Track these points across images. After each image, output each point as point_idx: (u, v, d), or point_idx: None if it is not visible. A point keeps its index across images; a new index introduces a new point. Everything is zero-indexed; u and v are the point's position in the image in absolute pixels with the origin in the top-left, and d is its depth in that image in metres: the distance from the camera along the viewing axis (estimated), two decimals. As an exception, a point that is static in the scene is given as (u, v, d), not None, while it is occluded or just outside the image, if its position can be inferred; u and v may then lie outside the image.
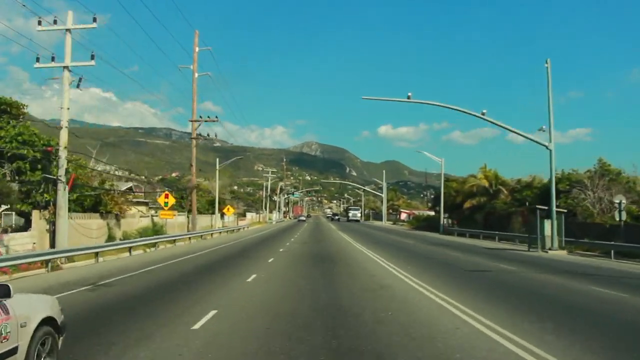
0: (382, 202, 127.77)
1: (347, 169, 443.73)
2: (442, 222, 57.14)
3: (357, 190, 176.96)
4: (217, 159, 57.83)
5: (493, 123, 28.84)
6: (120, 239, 30.31)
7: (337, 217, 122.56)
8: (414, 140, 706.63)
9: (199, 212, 56.41)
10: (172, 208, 57.53)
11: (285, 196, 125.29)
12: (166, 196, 36.37)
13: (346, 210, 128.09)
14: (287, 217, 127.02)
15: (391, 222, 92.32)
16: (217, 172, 55.71)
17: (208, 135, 47.00)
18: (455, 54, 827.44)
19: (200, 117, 46.38)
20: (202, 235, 40.86)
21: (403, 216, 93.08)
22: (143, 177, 76.55)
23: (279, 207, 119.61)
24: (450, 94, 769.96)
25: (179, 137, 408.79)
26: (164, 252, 27.29)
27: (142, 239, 27.32)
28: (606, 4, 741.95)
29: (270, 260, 21.85)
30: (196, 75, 45.77)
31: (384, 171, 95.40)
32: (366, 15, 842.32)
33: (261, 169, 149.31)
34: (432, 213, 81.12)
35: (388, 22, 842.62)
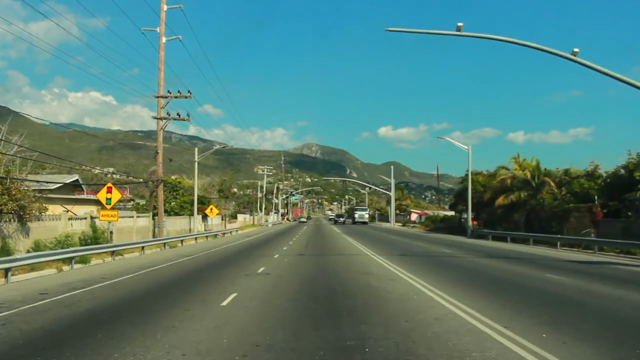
0: (387, 201, 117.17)
1: (348, 171, 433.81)
2: (469, 224, 46.41)
3: (359, 190, 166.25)
4: (197, 149, 47.31)
5: (589, 67, 18.59)
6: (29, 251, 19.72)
7: (342, 220, 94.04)
8: (414, 141, 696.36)
9: (176, 214, 45.82)
10: (143, 210, 47.14)
11: (284, 197, 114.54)
12: (108, 190, 25.74)
13: (351, 211, 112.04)
14: (286, 220, 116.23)
15: (400, 224, 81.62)
16: (196, 164, 45.11)
17: (179, 115, 36.42)
18: (454, 50, 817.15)
19: (169, 92, 36.04)
20: (165, 244, 30.18)
21: (413, 217, 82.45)
22: (141, 179, 67.94)
23: (277, 209, 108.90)
24: (451, 92, 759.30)
25: (179, 139, 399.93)
26: (77, 273, 16.73)
27: (24, 256, 16.58)
28: (606, 1, 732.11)
29: (227, 301, 11.26)
30: (164, 40, 35.73)
31: (391, 167, 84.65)
32: (366, 16, 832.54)
33: (261, 171, 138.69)
34: (450, 213, 70.49)
35: (388, 22, 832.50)
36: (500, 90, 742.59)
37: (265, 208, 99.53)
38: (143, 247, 26.22)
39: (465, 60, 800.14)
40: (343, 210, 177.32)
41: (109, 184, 26.32)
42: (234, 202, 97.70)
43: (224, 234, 48.61)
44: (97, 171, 74.43)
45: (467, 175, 55.64)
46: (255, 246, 31.96)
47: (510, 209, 43.16)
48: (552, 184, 40.14)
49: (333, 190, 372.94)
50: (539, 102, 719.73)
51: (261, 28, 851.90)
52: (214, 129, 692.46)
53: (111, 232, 29.33)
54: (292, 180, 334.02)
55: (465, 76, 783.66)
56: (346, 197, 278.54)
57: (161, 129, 35.67)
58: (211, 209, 48.54)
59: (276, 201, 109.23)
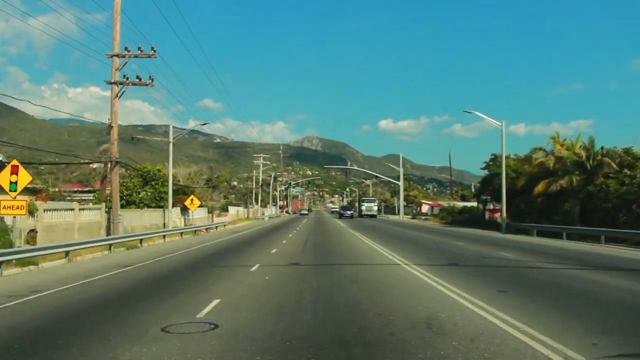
0: (392, 193, 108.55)
1: (349, 163, 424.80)
2: (504, 215, 37.78)
3: (364, 180, 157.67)
4: (171, 126, 38.73)
5: None
6: None
7: (349, 213, 73.66)
8: (414, 134, 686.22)
9: (147, 206, 37.34)
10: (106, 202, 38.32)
11: (282, 188, 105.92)
12: (13, 170, 17.29)
13: (357, 202, 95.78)
14: (284, 212, 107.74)
15: (409, 216, 73.05)
16: (170, 145, 36.48)
17: (139, 79, 27.94)
18: (458, 45, 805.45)
19: (127, 49, 27.69)
20: (111, 245, 21.59)
21: (424, 209, 73.85)
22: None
23: (275, 201, 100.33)
24: (452, 84, 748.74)
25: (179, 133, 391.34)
26: None
27: None
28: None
29: None
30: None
31: (400, 154, 75.88)
32: (367, 8, 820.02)
33: (262, 164, 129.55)
34: (464, 203, 61.89)
35: (390, 14, 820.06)
36: (501, 83, 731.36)
37: (262, 200, 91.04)
38: (67, 253, 17.71)
39: (466, 52, 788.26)
40: (345, 203, 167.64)
41: (14, 162, 17.73)
42: (226, 194, 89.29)
43: (207, 229, 40.12)
44: (95, 165, 65.78)
45: (493, 158, 47.19)
46: (236, 247, 23.49)
47: (555, 198, 34.55)
48: (614, 165, 31.50)
49: (334, 183, 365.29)
50: (540, 95, 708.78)
51: (260, 20, 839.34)
52: (214, 123, 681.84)
53: (33, 231, 20.88)
54: (292, 173, 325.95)
55: (466, 69, 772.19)
56: (347, 189, 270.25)
57: (117, 96, 27.15)
58: (192, 200, 39.97)
59: (275, 193, 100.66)
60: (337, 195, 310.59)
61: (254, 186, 79.55)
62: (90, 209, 26.87)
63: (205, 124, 37.63)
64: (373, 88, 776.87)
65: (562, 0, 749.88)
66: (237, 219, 63.12)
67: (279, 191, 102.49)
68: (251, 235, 33.29)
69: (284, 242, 26.18)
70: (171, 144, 36.46)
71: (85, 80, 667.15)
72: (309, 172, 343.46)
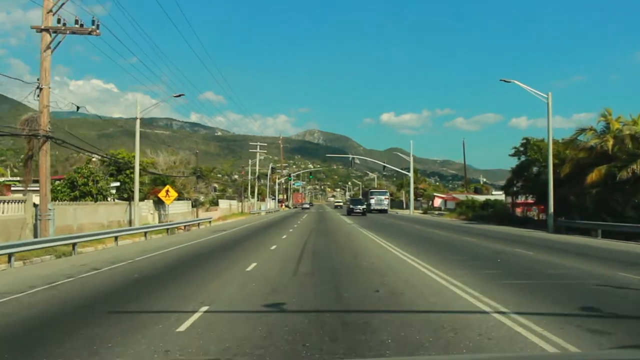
0: (398, 187, 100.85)
1: (351, 157, 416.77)
2: (550, 211, 30.07)
3: (367, 173, 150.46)
4: (138, 101, 30.89)
5: None
6: None
7: (361, 209, 55.79)
8: (416, 127, 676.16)
9: (104, 198, 29.84)
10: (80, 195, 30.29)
11: (282, 180, 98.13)
12: None
13: (364, 195, 76.22)
14: (284, 207, 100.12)
15: (420, 211, 65.43)
16: (137, 121, 28.68)
17: (80, 24, 20.43)
18: (459, 38, 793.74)
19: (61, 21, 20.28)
20: (11, 255, 13.99)
21: (437, 202, 66.11)
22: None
23: (275, 194, 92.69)
24: (454, 77, 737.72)
25: (180, 127, 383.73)
26: None
27: None
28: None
29: None
30: None
31: (411, 141, 67.50)
32: (369, 3, 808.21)
33: (259, 154, 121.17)
34: (487, 197, 54.26)
35: (391, 9, 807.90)
36: (502, 76, 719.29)
37: (260, 194, 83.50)
38: None
39: (468, 46, 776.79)
40: (349, 197, 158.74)
41: None
42: (223, 186, 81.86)
43: (186, 226, 32.61)
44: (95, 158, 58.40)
45: (525, 143, 39.48)
46: (198, 259, 15.90)
47: (619, 188, 26.90)
48: None
49: (336, 176, 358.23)
50: (542, 88, 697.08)
51: (261, 14, 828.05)
52: (216, 116, 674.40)
53: None
54: (294, 167, 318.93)
55: (468, 62, 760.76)
56: (349, 183, 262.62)
57: (48, 47, 19.73)
58: (167, 191, 32.45)
59: (273, 186, 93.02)
60: (339, 189, 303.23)
61: (249, 178, 71.93)
62: (9, 201, 19.28)
63: (180, 95, 29.71)
64: (375, 81, 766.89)
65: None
66: (229, 214, 55.60)
67: (278, 184, 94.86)
68: (234, 236, 25.75)
69: (273, 247, 18.61)
70: (138, 120, 28.75)
71: (87, 73, 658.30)
72: (311, 166, 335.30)
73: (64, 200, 26.30)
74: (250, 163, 71.53)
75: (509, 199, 42.26)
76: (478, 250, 17.64)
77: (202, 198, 53.23)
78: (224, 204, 55.21)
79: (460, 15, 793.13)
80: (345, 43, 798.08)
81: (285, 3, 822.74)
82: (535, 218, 39.62)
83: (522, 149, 40.34)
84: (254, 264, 13.28)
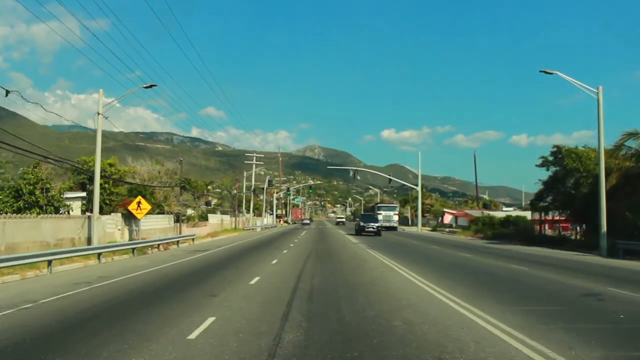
0: (402, 202, 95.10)
1: (351, 173, 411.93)
2: (603, 230, 24.33)
3: (370, 187, 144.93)
4: (101, 92, 25.35)
5: None
6: None
7: (375, 227, 42.15)
8: (417, 144, 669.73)
9: (54, 210, 24.24)
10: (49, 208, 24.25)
11: (280, 194, 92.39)
12: None
13: (370, 211, 62.07)
14: (282, 222, 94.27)
15: (429, 228, 59.65)
16: (99, 118, 23.10)
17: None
18: (460, 55, 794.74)
19: None
20: None
21: (447, 219, 60.31)
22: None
23: (272, 209, 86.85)
24: (454, 95, 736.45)
25: (180, 141, 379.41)
26: None
27: None
28: (611, 3, 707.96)
29: None
30: None
31: (419, 152, 60.89)
32: (369, 18, 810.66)
33: (263, 172, 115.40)
34: (503, 214, 48.64)
35: (392, 25, 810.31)
36: (503, 93, 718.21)
37: (256, 208, 77.83)
38: None
39: (469, 63, 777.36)
40: (349, 213, 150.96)
41: None
42: (218, 200, 76.31)
43: (160, 245, 26.87)
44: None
45: (556, 151, 34.02)
46: (150, 298, 10.18)
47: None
48: None
49: (336, 192, 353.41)
50: (542, 105, 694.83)
51: (262, 30, 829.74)
52: (217, 131, 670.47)
53: None
54: (294, 182, 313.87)
55: (468, 79, 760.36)
56: (349, 199, 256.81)
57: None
58: (139, 203, 26.87)
59: (271, 199, 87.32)
60: (339, 205, 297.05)
61: (244, 191, 66.35)
62: None
63: (151, 86, 24.26)
64: (376, 98, 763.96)
65: (564, 10, 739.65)
66: (220, 229, 49.91)
67: (277, 198, 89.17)
68: (211, 260, 20.10)
69: (254, 281, 12.95)
70: (100, 116, 23.21)
71: (88, 87, 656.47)
72: (311, 182, 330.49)
73: (7, 212, 20.77)
74: (245, 175, 65.98)
75: (536, 215, 36.57)
76: (551, 289, 12.03)
77: (191, 212, 47.67)
78: (214, 218, 49.51)
79: (462, 33, 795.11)
80: (346, 60, 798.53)
81: (286, 20, 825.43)
82: (572, 237, 33.86)
83: (551, 158, 34.89)
84: (209, 321, 7.65)
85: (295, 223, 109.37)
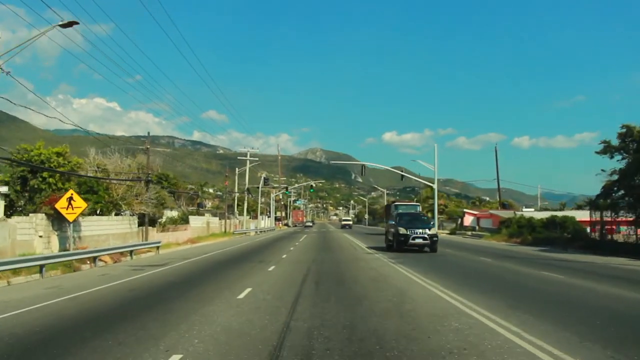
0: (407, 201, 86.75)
1: (353, 175, 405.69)
2: None
3: (376, 188, 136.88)
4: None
5: None
6: None
7: (428, 236, 22.91)
8: (418, 147, 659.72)
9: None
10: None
11: (278, 193, 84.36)
12: None
13: (387, 211, 45.79)
14: (281, 225, 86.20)
15: (447, 232, 51.54)
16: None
17: None
18: (462, 58, 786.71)
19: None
20: None
21: (468, 221, 52.16)
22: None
23: (271, 210, 78.77)
24: (456, 97, 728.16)
25: (182, 145, 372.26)
26: None
27: None
28: (611, 4, 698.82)
29: None
30: None
31: (435, 145, 51.82)
32: (371, 21, 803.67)
33: (264, 175, 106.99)
34: (528, 213, 40.69)
35: (393, 28, 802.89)
36: (505, 96, 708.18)
37: (253, 210, 69.92)
38: None
39: (471, 65, 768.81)
40: (352, 216, 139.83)
41: None
42: (207, 201, 68.69)
43: (118, 256, 18.89)
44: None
45: (625, 132, 26.01)
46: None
47: None
48: None
49: (338, 195, 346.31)
50: (544, 107, 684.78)
51: (264, 34, 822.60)
52: (218, 135, 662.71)
53: None
54: (296, 185, 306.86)
55: (470, 81, 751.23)
56: (352, 201, 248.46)
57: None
58: (70, 200, 18.86)
59: (270, 201, 79.28)
60: (341, 208, 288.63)
61: (236, 189, 58.48)
62: None
63: (69, 23, 16.37)
64: (377, 101, 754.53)
65: (564, 14, 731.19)
66: (206, 234, 41.98)
67: (274, 199, 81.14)
68: (158, 284, 12.20)
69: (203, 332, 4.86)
70: None
71: (90, 91, 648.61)
72: (313, 185, 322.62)
73: None
74: (237, 172, 58.17)
75: (596, 215, 28.41)
76: None
77: (173, 214, 39.74)
78: (197, 221, 41.43)
79: (463, 36, 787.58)
80: (347, 63, 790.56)
81: (287, 23, 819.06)
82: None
83: (617, 142, 26.84)
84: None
85: (296, 226, 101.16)
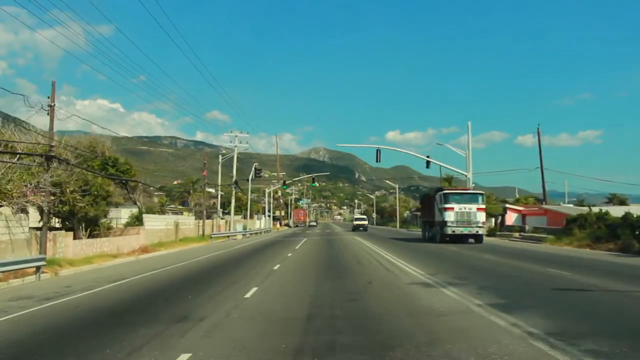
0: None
1: (357, 174, 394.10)
2: None
3: (381, 185, 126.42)
4: None
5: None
6: None
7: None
8: (421, 145, 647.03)
9: None
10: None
11: (275, 189, 73.06)
12: None
13: (428, 203, 33.59)
14: (279, 226, 74.94)
15: (484, 233, 39.92)
16: None
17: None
18: (464, 56, 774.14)
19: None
20: None
21: (511, 219, 40.36)
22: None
23: (266, 209, 67.46)
24: (459, 96, 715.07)
25: (184, 145, 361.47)
26: None
27: None
28: (618, 2, 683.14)
29: None
30: None
31: (468, 123, 39.53)
32: (373, 21, 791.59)
33: (267, 175, 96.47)
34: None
35: (396, 27, 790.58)
36: (508, 94, 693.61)
37: (245, 209, 58.68)
38: None
39: (473, 64, 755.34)
40: (359, 214, 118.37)
41: None
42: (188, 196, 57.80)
43: None
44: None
45: None
46: None
47: None
48: None
49: (342, 194, 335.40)
50: (547, 105, 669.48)
51: (267, 33, 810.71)
52: (221, 134, 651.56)
53: None
54: (299, 184, 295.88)
55: (473, 80, 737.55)
56: (355, 200, 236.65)
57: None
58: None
59: (271, 199, 67.95)
60: (345, 207, 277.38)
61: (219, 182, 47.37)
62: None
63: None
64: (380, 100, 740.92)
65: (569, 11, 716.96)
66: (171, 239, 30.79)
67: (271, 194, 69.81)
68: None
69: None
70: None
71: (93, 93, 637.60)
72: (316, 184, 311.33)
73: None
74: (220, 160, 47.14)
75: None
76: None
77: (133, 212, 28.66)
78: (155, 221, 30.00)
79: (465, 33, 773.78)
80: (349, 62, 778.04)
81: (290, 23, 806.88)
82: None
83: None
84: None
85: (297, 226, 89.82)
